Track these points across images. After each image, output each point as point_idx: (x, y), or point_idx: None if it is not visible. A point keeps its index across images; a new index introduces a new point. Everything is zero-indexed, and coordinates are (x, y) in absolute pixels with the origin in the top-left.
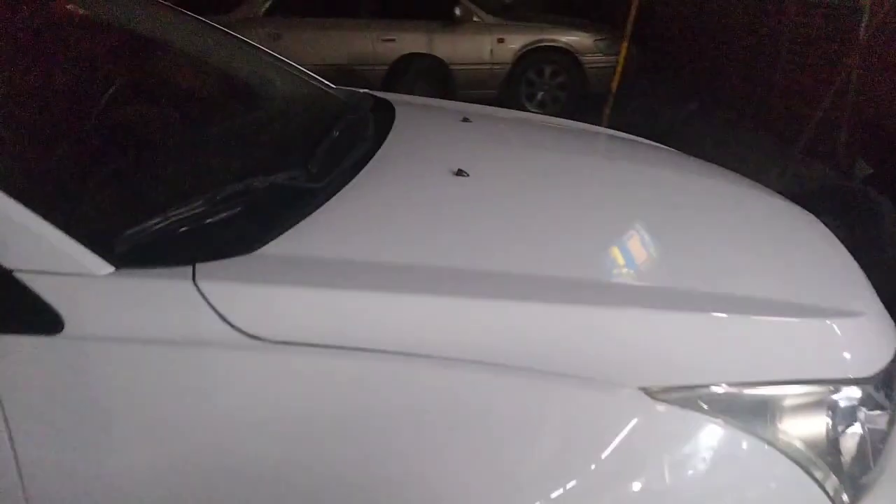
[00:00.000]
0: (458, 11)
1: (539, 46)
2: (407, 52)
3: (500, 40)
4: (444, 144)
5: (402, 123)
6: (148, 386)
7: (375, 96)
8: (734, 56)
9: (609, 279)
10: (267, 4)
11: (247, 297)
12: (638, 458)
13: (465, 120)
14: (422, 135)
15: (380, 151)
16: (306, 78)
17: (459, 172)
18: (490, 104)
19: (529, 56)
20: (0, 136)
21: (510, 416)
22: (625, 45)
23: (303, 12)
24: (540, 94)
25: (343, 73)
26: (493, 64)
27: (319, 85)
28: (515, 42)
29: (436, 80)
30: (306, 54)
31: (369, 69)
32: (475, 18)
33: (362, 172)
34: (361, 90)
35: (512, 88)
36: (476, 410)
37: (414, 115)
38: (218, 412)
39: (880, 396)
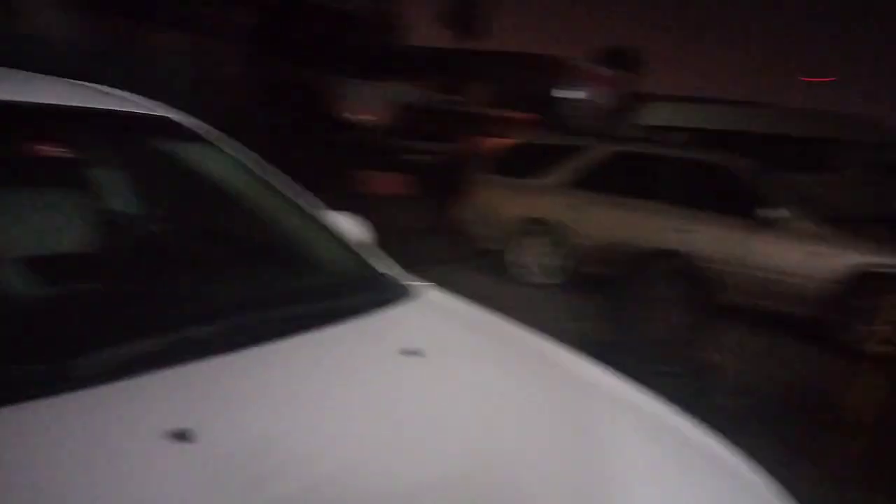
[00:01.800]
0: (776, 214)
1: (878, 272)
2: (699, 245)
3: (821, 254)
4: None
5: (302, 347)
6: None
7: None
8: None
9: None
10: (574, 176)
11: None
12: None
13: (412, 353)
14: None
15: (173, 370)
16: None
17: (180, 436)
18: (795, 324)
19: (864, 280)
20: None
21: None
22: None
23: (604, 189)
24: (876, 333)
25: (630, 256)
26: (806, 278)
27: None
28: (845, 260)
29: (684, 281)
30: (597, 228)
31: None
32: (797, 224)
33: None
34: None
35: (835, 314)
36: None
37: (349, 339)
38: None
39: None
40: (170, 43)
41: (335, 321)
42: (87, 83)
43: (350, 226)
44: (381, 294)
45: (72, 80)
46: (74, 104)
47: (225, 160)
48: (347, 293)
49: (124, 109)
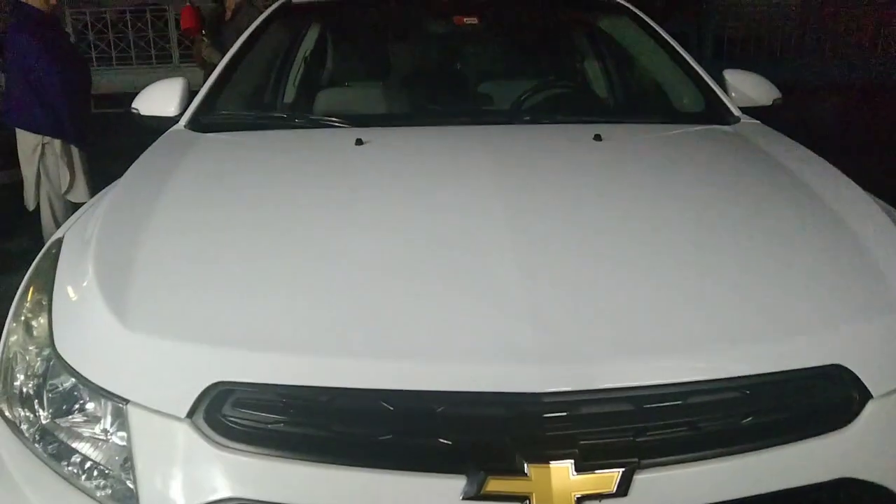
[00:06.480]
0: None
1: None
2: None
3: None
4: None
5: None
6: None
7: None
8: None
9: None
10: None
11: None
12: None
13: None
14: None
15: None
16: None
17: (359, 142)
18: None
19: None
20: None
21: None
22: None
23: None
24: None
25: None
26: None
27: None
28: None
29: None
30: None
31: None
32: None
33: None
34: None
35: None
36: None
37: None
38: None
39: None
40: None
41: (607, 121)
42: None
43: (751, 82)
44: (694, 117)
45: None
46: None
47: (641, 24)
48: (670, 116)
49: None
